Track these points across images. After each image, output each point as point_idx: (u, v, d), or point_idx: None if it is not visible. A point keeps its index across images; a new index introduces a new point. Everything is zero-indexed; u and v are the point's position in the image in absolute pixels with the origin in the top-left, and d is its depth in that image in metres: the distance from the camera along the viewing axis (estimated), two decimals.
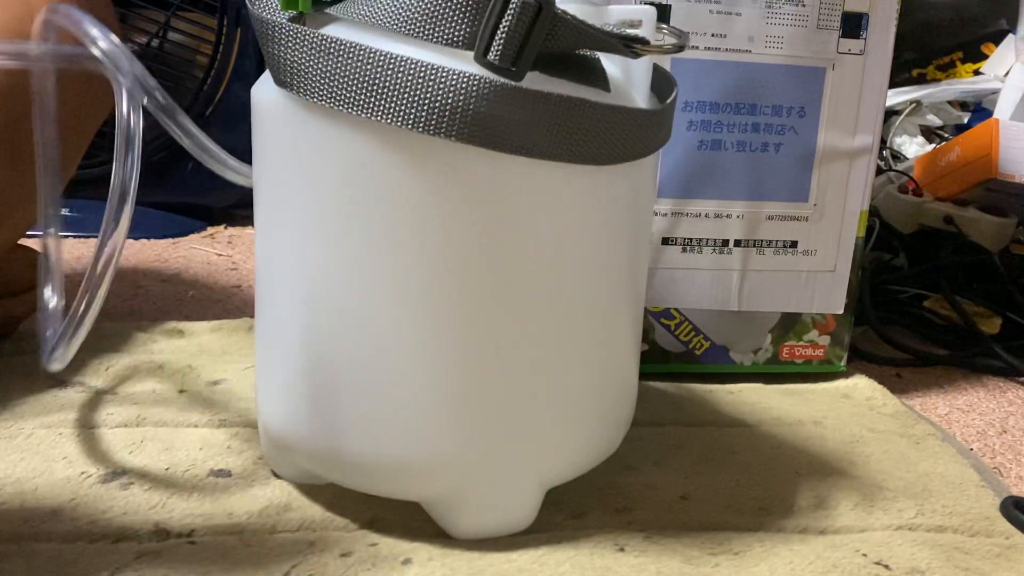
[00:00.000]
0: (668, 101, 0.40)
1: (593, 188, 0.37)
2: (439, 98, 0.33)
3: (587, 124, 0.35)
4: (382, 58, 0.34)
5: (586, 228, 0.38)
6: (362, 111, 0.34)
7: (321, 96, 0.35)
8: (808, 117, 0.58)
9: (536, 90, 0.34)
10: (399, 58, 0.33)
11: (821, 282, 0.61)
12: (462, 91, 0.33)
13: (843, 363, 0.63)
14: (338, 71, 0.34)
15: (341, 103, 0.34)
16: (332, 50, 0.34)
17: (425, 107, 0.33)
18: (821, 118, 0.58)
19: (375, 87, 0.34)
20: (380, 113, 0.34)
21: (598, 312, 0.40)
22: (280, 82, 0.36)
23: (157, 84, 0.39)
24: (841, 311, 0.62)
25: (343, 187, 0.36)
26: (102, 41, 0.39)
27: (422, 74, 0.33)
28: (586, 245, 0.38)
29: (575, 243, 0.37)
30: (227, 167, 0.43)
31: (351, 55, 0.34)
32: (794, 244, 0.60)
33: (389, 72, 0.34)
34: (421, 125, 0.34)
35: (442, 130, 0.34)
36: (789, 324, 0.61)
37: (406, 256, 0.36)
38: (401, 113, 0.34)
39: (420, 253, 0.36)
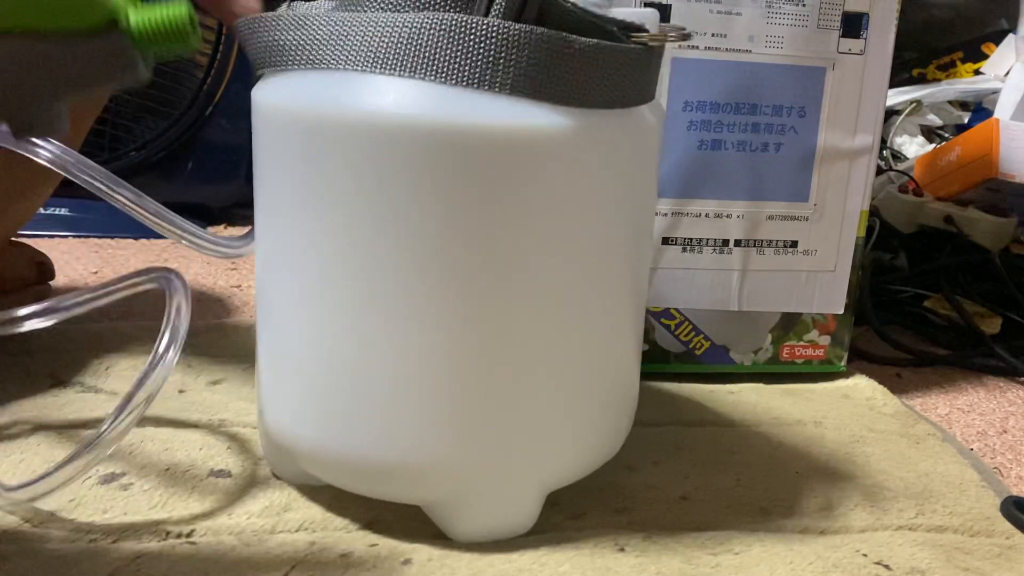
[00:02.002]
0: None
1: (592, 146, 0.37)
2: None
3: (575, 63, 0.35)
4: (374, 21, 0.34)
5: (586, 200, 0.37)
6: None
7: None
8: (808, 117, 0.58)
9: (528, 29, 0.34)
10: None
11: (821, 282, 0.61)
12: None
13: (843, 363, 0.63)
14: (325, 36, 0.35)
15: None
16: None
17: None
18: (821, 118, 0.58)
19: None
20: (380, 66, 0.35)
21: (599, 313, 0.40)
22: (271, 64, 0.37)
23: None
24: (841, 311, 0.62)
25: (343, 186, 0.36)
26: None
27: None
28: (587, 222, 0.38)
29: (575, 219, 0.37)
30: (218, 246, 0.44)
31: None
32: (794, 244, 0.60)
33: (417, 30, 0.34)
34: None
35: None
36: (789, 324, 0.61)
37: (406, 257, 0.36)
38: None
39: (420, 253, 0.36)
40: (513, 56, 0.34)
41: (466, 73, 0.34)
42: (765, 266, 0.60)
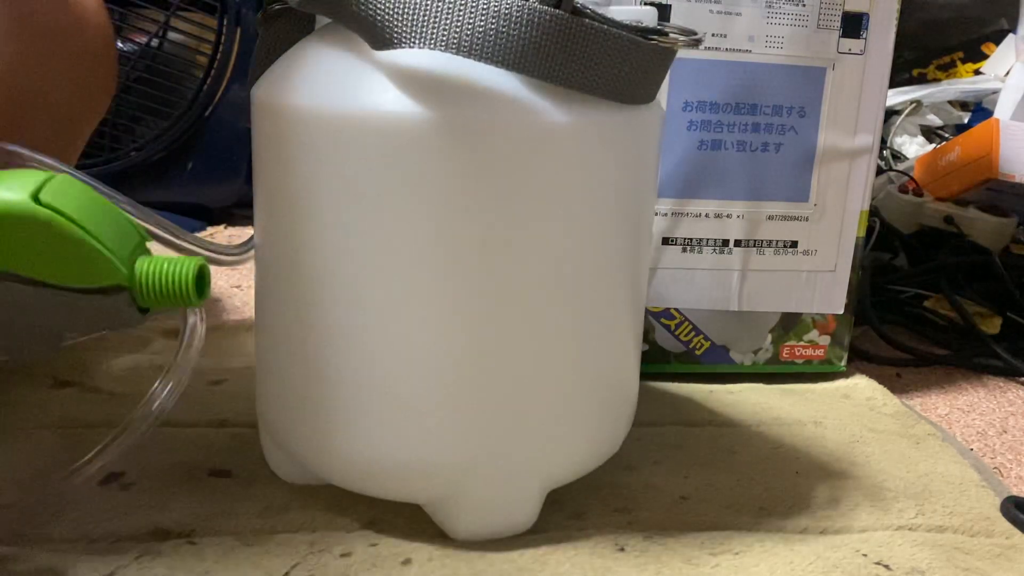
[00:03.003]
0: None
1: (596, 139, 0.37)
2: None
3: (598, 49, 0.35)
4: None
5: (587, 195, 0.38)
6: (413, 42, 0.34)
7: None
8: (808, 117, 0.58)
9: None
10: None
11: (821, 282, 0.61)
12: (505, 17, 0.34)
13: (843, 363, 0.63)
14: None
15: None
16: None
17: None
18: (821, 118, 0.58)
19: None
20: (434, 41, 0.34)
21: (599, 310, 0.40)
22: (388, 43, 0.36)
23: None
24: (841, 311, 0.62)
25: (343, 184, 0.36)
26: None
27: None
28: (588, 219, 0.38)
29: (576, 215, 0.37)
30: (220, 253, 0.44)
31: None
32: (794, 244, 0.60)
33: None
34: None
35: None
36: (789, 324, 0.61)
37: (405, 254, 0.36)
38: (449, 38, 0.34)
39: (420, 250, 0.36)
40: (527, 31, 0.34)
41: (475, 44, 0.34)
42: (765, 266, 0.60)
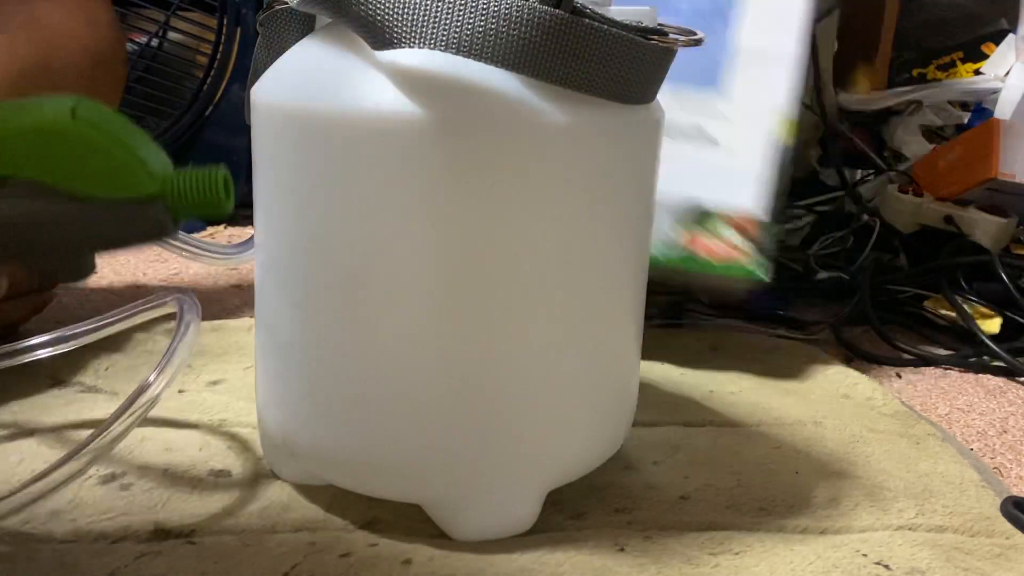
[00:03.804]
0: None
1: (597, 139, 0.37)
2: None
3: (592, 47, 0.35)
4: None
5: (590, 195, 0.38)
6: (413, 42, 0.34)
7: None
8: (727, 19, 0.58)
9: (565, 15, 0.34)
10: None
11: (737, 179, 0.60)
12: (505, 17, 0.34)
13: (767, 275, 0.61)
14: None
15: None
16: None
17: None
18: (742, 20, 0.59)
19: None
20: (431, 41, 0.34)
21: (600, 309, 0.40)
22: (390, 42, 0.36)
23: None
24: (760, 215, 0.60)
25: (342, 184, 0.36)
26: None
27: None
28: (591, 218, 0.38)
29: (579, 214, 0.37)
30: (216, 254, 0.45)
31: None
32: (711, 139, 0.59)
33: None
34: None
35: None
36: (698, 216, 0.60)
37: (405, 253, 0.36)
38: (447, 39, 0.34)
39: (419, 249, 0.36)
40: (527, 31, 0.34)
41: (475, 44, 0.34)
42: (675, 151, 0.59)
